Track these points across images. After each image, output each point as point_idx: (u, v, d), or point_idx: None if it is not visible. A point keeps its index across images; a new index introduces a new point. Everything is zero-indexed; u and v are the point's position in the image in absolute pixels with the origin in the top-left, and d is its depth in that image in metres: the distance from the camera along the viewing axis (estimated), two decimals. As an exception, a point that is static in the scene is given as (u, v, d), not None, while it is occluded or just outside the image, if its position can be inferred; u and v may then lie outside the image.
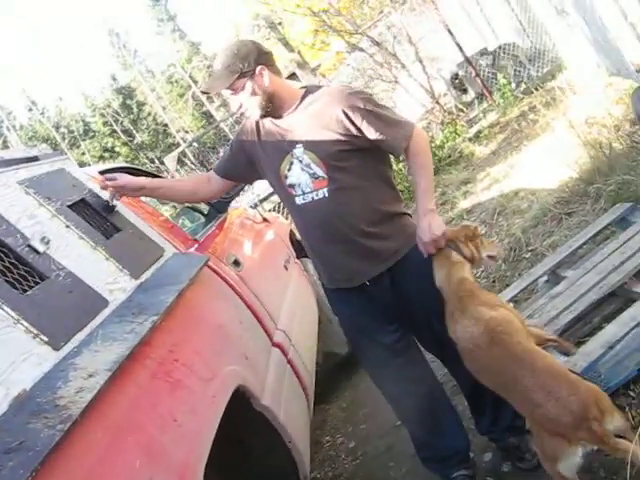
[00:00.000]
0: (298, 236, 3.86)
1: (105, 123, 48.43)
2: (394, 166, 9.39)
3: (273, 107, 2.59)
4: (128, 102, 48.75)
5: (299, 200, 2.59)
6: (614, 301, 3.29)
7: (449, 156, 9.42)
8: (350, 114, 2.50)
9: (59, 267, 1.93)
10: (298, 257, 4.54)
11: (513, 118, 9.54)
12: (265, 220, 4.48)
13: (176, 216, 4.94)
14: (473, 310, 2.43)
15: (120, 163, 10.80)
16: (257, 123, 2.69)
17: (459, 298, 2.49)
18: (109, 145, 47.93)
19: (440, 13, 11.16)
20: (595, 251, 3.78)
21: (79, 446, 1.41)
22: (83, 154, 46.61)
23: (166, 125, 47.07)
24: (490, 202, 6.58)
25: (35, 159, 2.41)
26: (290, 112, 2.60)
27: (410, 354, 2.81)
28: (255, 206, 4.72)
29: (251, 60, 2.51)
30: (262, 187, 6.79)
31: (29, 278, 1.81)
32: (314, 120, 2.55)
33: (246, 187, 3.39)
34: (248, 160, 2.76)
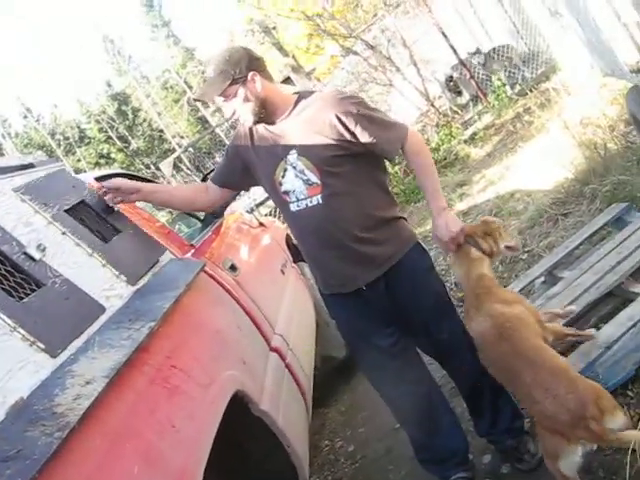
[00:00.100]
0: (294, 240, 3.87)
1: (100, 129, 48.42)
2: (390, 169, 9.45)
3: (266, 113, 2.58)
4: (123, 108, 48.76)
5: (294, 207, 2.59)
6: (611, 301, 3.29)
7: (444, 158, 9.43)
8: (343, 119, 2.50)
9: (55, 274, 1.92)
10: (295, 261, 4.54)
11: (508, 120, 9.57)
12: (261, 225, 4.47)
13: (172, 222, 4.94)
14: (488, 307, 2.48)
15: (116, 169, 10.79)
16: (251, 129, 2.68)
17: (476, 295, 2.54)
18: (105, 151, 47.92)
19: (434, 16, 11.19)
20: (591, 251, 3.78)
21: (77, 453, 1.41)
22: (79, 161, 46.62)
23: (161, 131, 47.06)
24: (486, 204, 6.59)
25: (31, 166, 2.40)
26: (283, 118, 2.60)
27: (407, 357, 2.81)
28: (251, 211, 4.72)
29: (243, 66, 2.51)
30: (258, 192, 6.78)
31: (25, 286, 1.81)
32: (307, 126, 2.55)
33: (242, 192, 3.37)
34: (244, 166, 2.75)
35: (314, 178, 2.52)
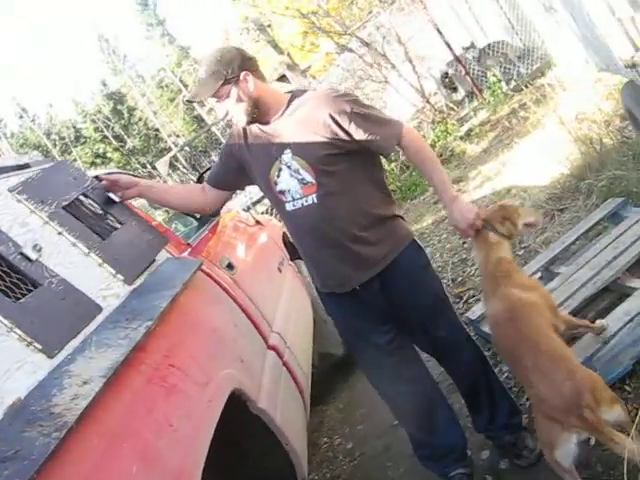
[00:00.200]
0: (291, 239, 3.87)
1: (96, 129, 48.35)
2: (386, 166, 9.45)
3: (259, 113, 2.57)
4: (119, 107, 48.69)
5: (289, 206, 2.59)
6: (608, 296, 3.30)
7: (440, 155, 9.43)
8: (337, 117, 2.49)
9: (52, 274, 1.92)
10: (292, 259, 4.54)
11: (504, 116, 9.58)
12: (258, 223, 4.47)
13: (169, 221, 4.93)
14: (505, 291, 2.50)
15: (112, 169, 10.79)
16: (244, 129, 2.67)
17: (495, 278, 2.57)
18: (101, 151, 47.83)
19: (429, 12, 11.20)
20: (588, 247, 3.78)
21: (75, 454, 1.41)
22: (75, 160, 46.44)
23: (157, 130, 47.01)
24: (482, 200, 6.60)
25: (26, 166, 2.40)
26: (277, 117, 2.59)
27: (404, 354, 2.81)
28: (248, 209, 4.73)
29: (235, 66, 2.49)
30: (254, 190, 6.78)
31: (22, 286, 1.80)
32: (301, 125, 2.54)
33: (238, 190, 3.36)
34: (239, 166, 2.74)
35: (309, 177, 2.52)
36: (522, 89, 9.18)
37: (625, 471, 2.13)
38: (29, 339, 1.65)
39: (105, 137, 47.94)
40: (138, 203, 3.04)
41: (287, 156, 2.54)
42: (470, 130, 10.18)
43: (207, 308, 2.60)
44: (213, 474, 1.90)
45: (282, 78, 17.37)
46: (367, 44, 11.58)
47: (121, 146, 47.52)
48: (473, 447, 2.99)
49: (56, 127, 51.24)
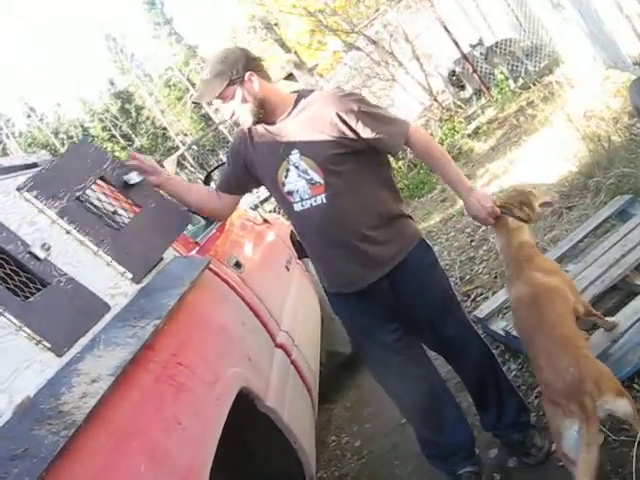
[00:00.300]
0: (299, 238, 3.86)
1: (104, 128, 48.44)
2: (393, 164, 9.44)
3: (265, 113, 2.55)
4: (126, 106, 48.79)
5: (298, 207, 2.58)
6: (616, 295, 3.29)
7: (448, 153, 9.41)
8: (344, 117, 2.48)
9: (60, 273, 1.92)
10: (299, 257, 4.54)
11: (511, 113, 9.55)
12: (266, 221, 4.47)
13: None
14: (528, 274, 2.53)
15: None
16: (250, 130, 2.66)
17: (518, 262, 2.60)
18: (108, 150, 47.93)
19: (436, 10, 11.18)
20: (596, 244, 3.77)
21: (83, 452, 1.42)
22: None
23: (165, 129, 47.07)
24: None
25: (34, 166, 2.41)
26: (283, 118, 2.57)
27: (411, 352, 2.81)
28: (255, 207, 4.71)
29: (239, 67, 2.48)
30: (262, 188, 6.78)
31: (30, 285, 1.81)
32: (309, 125, 2.53)
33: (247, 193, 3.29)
34: (247, 168, 2.72)
35: (317, 177, 2.51)
36: (530, 87, 9.16)
37: (634, 469, 2.13)
38: (38, 338, 1.66)
39: (113, 136, 48.03)
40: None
41: (295, 156, 2.53)
42: (478, 128, 10.16)
43: (215, 306, 2.60)
44: (221, 472, 1.91)
45: (289, 77, 17.37)
46: (374, 42, 11.57)
47: (129, 145, 47.58)
48: (481, 445, 2.99)
49: (64, 126, 51.37)
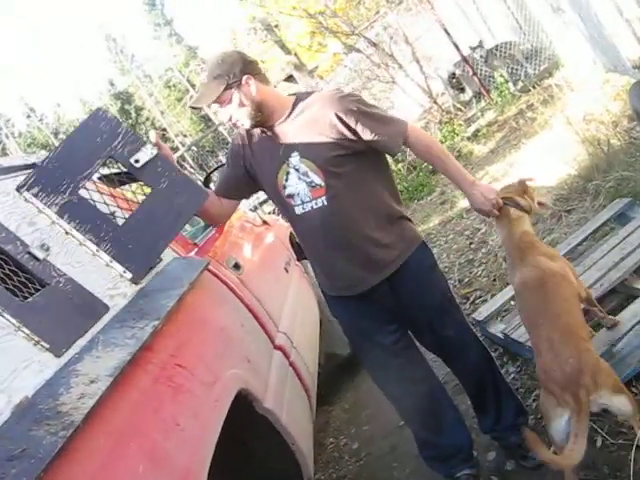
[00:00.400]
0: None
1: (103, 128, 48.33)
2: (393, 166, 9.44)
3: (263, 116, 2.54)
4: (126, 107, 48.78)
5: (299, 210, 2.57)
6: (615, 298, 3.29)
7: (448, 155, 9.42)
8: (344, 117, 2.48)
9: (59, 274, 1.92)
10: (298, 259, 4.54)
11: (511, 116, 9.57)
12: (265, 223, 4.48)
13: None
14: (533, 259, 2.57)
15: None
16: (249, 134, 2.65)
17: (520, 249, 2.64)
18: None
19: (436, 12, 11.19)
20: (595, 248, 3.77)
21: (82, 452, 1.41)
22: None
23: (165, 129, 46.93)
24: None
25: (34, 166, 2.40)
26: (282, 121, 2.57)
27: (410, 354, 2.82)
28: (255, 209, 4.73)
29: (237, 71, 2.47)
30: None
31: (29, 285, 1.81)
32: (308, 127, 2.52)
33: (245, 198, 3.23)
34: (247, 171, 2.71)
35: (318, 180, 2.50)
36: (530, 90, 9.16)
37: (632, 472, 2.14)
38: (36, 338, 1.66)
39: (112, 136, 47.91)
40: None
41: (295, 159, 2.53)
42: (477, 131, 10.17)
43: (214, 308, 2.60)
44: (219, 474, 1.91)
45: (289, 78, 17.37)
46: (374, 44, 11.58)
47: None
48: (479, 448, 2.99)
49: (64, 126, 51.28)
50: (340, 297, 2.71)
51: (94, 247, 2.14)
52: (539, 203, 2.79)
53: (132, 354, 1.70)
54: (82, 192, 2.22)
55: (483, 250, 5.52)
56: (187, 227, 4.32)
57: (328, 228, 2.55)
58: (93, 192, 2.32)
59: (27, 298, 1.77)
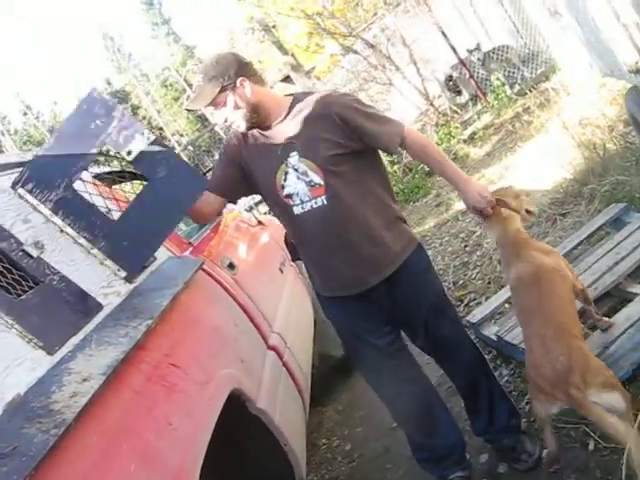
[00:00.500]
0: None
1: (100, 127, 48.26)
2: (389, 168, 9.45)
3: (259, 118, 2.54)
4: (123, 106, 48.71)
5: (297, 210, 2.56)
6: (609, 301, 3.30)
7: (444, 158, 9.42)
8: (343, 115, 2.49)
9: (53, 271, 1.92)
10: (293, 259, 4.53)
11: (507, 119, 9.58)
12: (260, 223, 4.47)
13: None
14: (527, 255, 2.61)
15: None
16: (245, 135, 2.63)
17: (515, 246, 2.68)
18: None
19: (434, 15, 11.20)
20: (590, 252, 3.78)
21: (73, 451, 1.41)
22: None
23: (161, 129, 46.99)
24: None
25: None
26: (279, 121, 2.56)
27: (403, 356, 2.83)
28: (250, 209, 4.71)
29: (231, 73, 2.47)
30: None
31: (23, 283, 1.81)
32: (307, 127, 2.52)
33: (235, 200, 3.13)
34: (240, 173, 2.68)
35: (317, 179, 2.50)
36: (526, 93, 9.18)
37: (623, 476, 2.13)
38: (29, 336, 1.65)
39: (109, 135, 47.86)
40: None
41: (294, 159, 2.52)
42: (474, 133, 10.19)
43: (208, 307, 2.60)
44: (212, 474, 1.90)
45: (286, 79, 17.39)
46: (372, 46, 11.59)
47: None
48: (472, 451, 2.99)
49: (60, 124, 51.23)
50: (335, 298, 2.71)
51: (88, 245, 2.14)
52: (527, 211, 2.80)
53: (125, 353, 1.70)
54: (77, 187, 2.20)
55: (478, 253, 5.52)
56: (182, 226, 4.32)
57: (328, 227, 2.54)
58: (88, 187, 2.31)
59: (21, 296, 1.76)
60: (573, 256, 3.93)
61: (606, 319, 2.94)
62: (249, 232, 4.16)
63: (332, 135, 2.51)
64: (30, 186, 2.12)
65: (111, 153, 2.36)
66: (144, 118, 48.46)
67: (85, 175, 2.29)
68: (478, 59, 11.42)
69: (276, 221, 4.93)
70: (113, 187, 2.62)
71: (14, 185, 2.11)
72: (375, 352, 2.74)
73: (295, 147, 2.53)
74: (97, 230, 2.18)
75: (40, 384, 1.55)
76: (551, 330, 2.34)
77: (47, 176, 2.15)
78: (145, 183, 2.36)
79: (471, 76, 11.27)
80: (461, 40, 11.61)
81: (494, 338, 3.56)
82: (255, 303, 3.06)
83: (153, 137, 2.27)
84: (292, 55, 17.20)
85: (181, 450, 1.76)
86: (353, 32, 12.12)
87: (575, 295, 2.68)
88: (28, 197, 2.11)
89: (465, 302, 4.74)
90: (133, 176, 2.89)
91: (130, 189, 2.54)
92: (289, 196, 2.56)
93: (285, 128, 2.56)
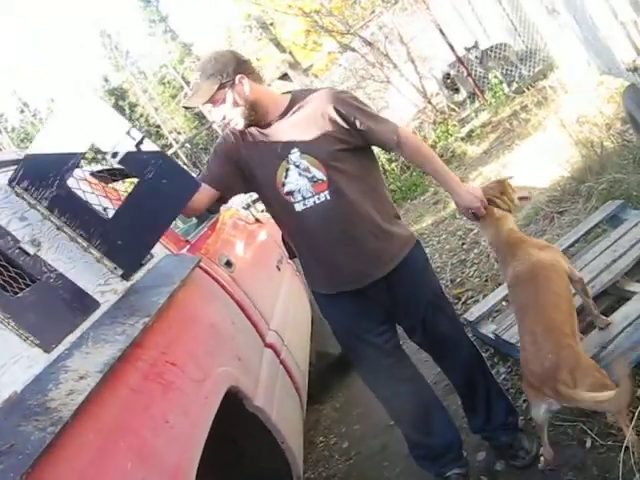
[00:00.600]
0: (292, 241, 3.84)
1: (97, 124, 48.18)
2: (387, 166, 9.45)
3: (257, 116, 2.53)
4: (120, 103, 48.63)
5: (299, 206, 2.55)
6: (606, 300, 3.29)
7: (441, 156, 9.37)
8: (342, 110, 2.50)
9: (50, 269, 1.92)
10: (290, 257, 4.53)
11: (505, 117, 9.58)
12: (257, 221, 4.47)
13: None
14: (524, 252, 2.63)
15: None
16: (242, 133, 2.61)
17: (510, 245, 2.69)
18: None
19: (431, 13, 11.20)
20: (586, 249, 3.78)
21: (70, 449, 1.41)
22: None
23: (158, 126, 46.97)
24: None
25: (25, 161, 2.39)
26: (278, 119, 2.56)
27: (399, 354, 2.84)
28: (247, 207, 4.72)
29: (230, 70, 2.46)
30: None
31: (20, 280, 1.80)
32: (307, 123, 2.52)
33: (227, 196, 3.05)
34: (237, 171, 2.65)
35: (320, 174, 2.50)
36: (524, 91, 9.18)
37: (620, 474, 2.14)
38: (26, 333, 1.65)
39: (106, 133, 47.77)
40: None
41: (295, 155, 2.51)
42: (471, 131, 10.19)
43: (205, 305, 2.60)
44: (210, 472, 1.90)
45: (284, 77, 17.39)
46: (369, 44, 11.59)
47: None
48: (469, 448, 3.00)
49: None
50: (334, 296, 2.70)
51: (85, 243, 2.14)
52: (520, 198, 2.83)
53: (122, 351, 1.70)
54: (70, 184, 2.18)
55: (475, 251, 5.53)
56: (179, 224, 4.31)
57: (331, 222, 2.54)
58: (82, 185, 2.30)
59: (17, 293, 1.76)
60: (570, 254, 3.93)
61: (604, 317, 2.94)
62: (246, 230, 4.16)
63: (332, 131, 2.51)
64: (26, 184, 2.11)
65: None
66: (142, 116, 48.47)
67: (80, 173, 2.29)
68: (476, 57, 11.43)
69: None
70: (109, 185, 2.61)
71: (11, 182, 2.10)
72: (373, 350, 2.74)
73: (296, 144, 2.52)
74: (92, 228, 2.17)
75: (37, 382, 1.55)
76: (542, 327, 2.36)
77: (42, 174, 2.14)
78: (135, 184, 2.29)
79: (469, 74, 11.27)
80: (459, 38, 11.61)
81: (492, 336, 3.56)
82: (252, 301, 3.05)
83: (141, 135, 2.20)
84: (290, 53, 17.21)
85: (178, 448, 1.75)
86: (351, 30, 12.12)
87: (573, 286, 2.70)
88: (25, 194, 2.10)
89: (462, 300, 4.75)
90: (126, 175, 2.88)
91: (125, 187, 2.53)
92: (290, 193, 2.55)
93: (284, 126, 2.56)
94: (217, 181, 2.64)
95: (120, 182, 2.84)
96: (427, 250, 5.98)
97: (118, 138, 2.17)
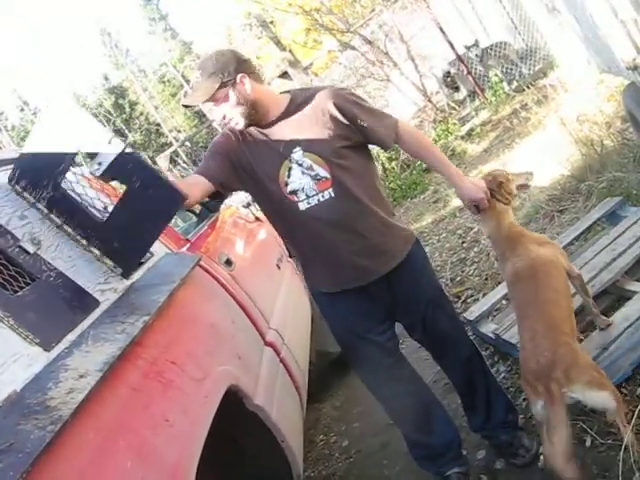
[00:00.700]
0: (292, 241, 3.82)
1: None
2: (387, 165, 9.43)
3: (257, 115, 2.52)
4: (120, 102, 48.60)
5: (303, 205, 2.53)
6: (606, 299, 3.28)
7: (441, 154, 9.43)
8: (342, 107, 2.51)
9: (50, 268, 1.92)
10: (290, 256, 4.52)
11: (505, 116, 9.58)
12: (257, 219, 4.46)
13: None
14: (523, 248, 2.62)
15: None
16: (242, 133, 2.59)
17: (510, 240, 2.69)
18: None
19: (431, 11, 11.20)
20: (586, 247, 3.77)
21: (70, 447, 1.41)
22: (75, 154, 46.26)
23: (158, 125, 46.93)
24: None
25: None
26: (279, 118, 2.55)
27: (398, 354, 2.85)
28: (247, 205, 4.70)
29: (231, 69, 2.45)
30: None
31: (20, 279, 1.80)
32: (308, 121, 2.52)
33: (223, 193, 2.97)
34: (234, 169, 2.61)
35: (323, 172, 2.50)
36: (524, 89, 9.17)
37: (620, 472, 2.14)
38: (26, 332, 1.65)
39: (106, 131, 47.73)
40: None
41: (297, 154, 2.51)
42: (471, 130, 10.19)
43: (205, 304, 2.59)
44: (209, 470, 1.90)
45: (284, 75, 17.36)
46: (370, 42, 11.59)
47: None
48: (469, 447, 3.00)
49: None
50: (335, 294, 2.70)
51: (85, 241, 2.13)
52: (519, 187, 2.84)
53: (122, 349, 1.70)
54: (66, 185, 2.18)
55: (475, 249, 5.52)
56: (179, 223, 4.32)
57: (335, 220, 2.53)
58: (79, 185, 2.29)
59: (17, 292, 1.76)
60: (569, 252, 3.93)
61: (604, 318, 2.93)
62: (246, 228, 4.16)
63: (334, 129, 2.52)
64: (24, 183, 2.11)
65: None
66: (141, 114, 48.42)
67: (79, 171, 2.28)
68: (476, 55, 11.42)
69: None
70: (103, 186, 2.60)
71: (10, 181, 2.10)
72: (375, 349, 2.74)
73: (298, 142, 2.52)
74: (89, 226, 2.17)
75: (36, 380, 1.55)
76: (540, 325, 2.36)
77: (40, 173, 2.14)
78: (125, 189, 2.24)
79: (469, 72, 11.27)
80: (459, 36, 11.61)
81: (491, 335, 3.56)
82: (252, 299, 3.05)
83: (122, 145, 2.18)
84: (290, 51, 17.18)
85: (178, 447, 1.75)
86: (351, 28, 12.12)
87: (572, 282, 2.71)
88: (25, 193, 2.10)
89: (462, 299, 4.75)
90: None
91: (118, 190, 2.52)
92: (294, 192, 2.54)
93: (286, 125, 2.55)
94: (213, 176, 2.58)
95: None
96: (427, 249, 5.98)
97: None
